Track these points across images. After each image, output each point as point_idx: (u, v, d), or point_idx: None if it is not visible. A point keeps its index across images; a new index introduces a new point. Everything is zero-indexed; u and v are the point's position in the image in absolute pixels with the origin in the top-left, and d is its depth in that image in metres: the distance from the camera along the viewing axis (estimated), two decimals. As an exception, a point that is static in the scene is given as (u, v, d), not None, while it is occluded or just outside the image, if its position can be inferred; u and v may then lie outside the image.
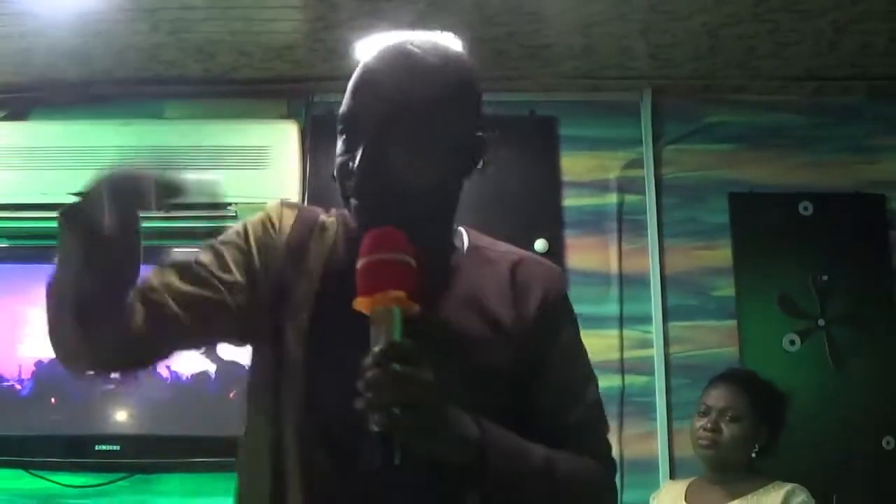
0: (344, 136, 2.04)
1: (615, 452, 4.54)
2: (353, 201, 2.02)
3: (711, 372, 4.12)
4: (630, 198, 4.88)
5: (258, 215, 2.11)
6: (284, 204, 2.17)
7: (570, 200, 4.85)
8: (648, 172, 4.87)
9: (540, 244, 4.72)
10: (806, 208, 4.87)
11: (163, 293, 1.96)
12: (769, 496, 3.79)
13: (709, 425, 3.87)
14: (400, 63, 2.02)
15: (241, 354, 4.57)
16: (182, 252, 2.03)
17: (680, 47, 4.50)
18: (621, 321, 4.78)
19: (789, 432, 3.94)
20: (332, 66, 4.60)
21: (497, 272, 2.13)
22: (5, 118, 4.81)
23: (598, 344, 4.72)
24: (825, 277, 4.79)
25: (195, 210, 4.47)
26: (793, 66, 4.72)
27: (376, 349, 1.76)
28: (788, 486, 3.80)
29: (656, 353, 4.75)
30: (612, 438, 4.56)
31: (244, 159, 4.53)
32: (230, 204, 4.49)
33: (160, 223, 4.42)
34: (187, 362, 4.57)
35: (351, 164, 1.99)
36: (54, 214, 4.60)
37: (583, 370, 2.21)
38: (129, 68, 4.60)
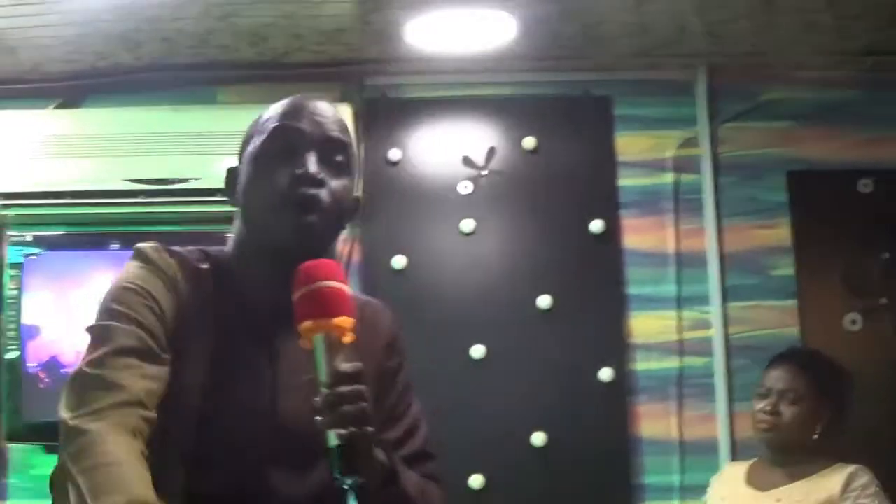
0: (280, 145, 2.13)
1: (675, 435, 4.58)
2: (287, 214, 2.08)
3: (772, 353, 4.07)
4: (687, 177, 4.82)
5: (150, 270, 2.11)
6: (163, 251, 2.15)
7: (625, 181, 4.81)
8: (705, 151, 4.81)
9: (596, 225, 4.68)
10: (866, 185, 4.80)
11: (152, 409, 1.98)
12: (831, 478, 3.73)
13: (768, 408, 3.82)
14: (328, 103, 2.22)
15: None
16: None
17: (735, 24, 4.44)
18: (679, 302, 4.73)
19: (852, 412, 3.88)
20: (383, 49, 4.59)
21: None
22: (59, 106, 4.81)
23: (657, 325, 4.71)
24: (886, 255, 4.73)
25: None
26: (851, 41, 4.64)
27: (334, 369, 1.92)
28: (851, 468, 3.74)
29: (716, 334, 4.70)
30: (672, 420, 4.60)
31: (298, 143, 4.51)
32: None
33: (219, 208, 4.48)
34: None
35: (301, 168, 2.09)
36: (109, 201, 4.64)
37: (415, 403, 2.39)
38: (180, 54, 4.60)
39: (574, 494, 4.54)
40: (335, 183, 2.12)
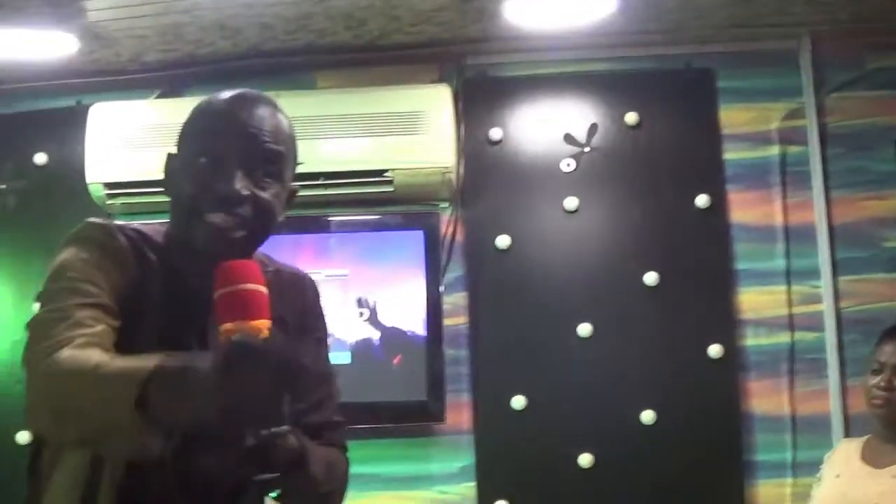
0: (209, 156, 2.21)
1: (787, 411, 4.49)
2: (213, 221, 2.18)
3: (884, 326, 3.99)
4: (793, 149, 4.73)
5: (100, 246, 2.21)
6: (115, 230, 2.25)
7: (730, 154, 4.73)
8: (811, 122, 4.71)
9: (702, 200, 4.61)
10: (975, 152, 4.69)
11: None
12: (948, 455, 3.67)
13: (882, 383, 3.76)
14: (266, 105, 2.31)
15: (404, 321, 4.61)
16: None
17: (835, -10, 4.36)
18: (789, 276, 4.65)
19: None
20: (482, 28, 4.56)
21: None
22: (160, 96, 4.86)
23: (766, 300, 4.64)
24: None
25: (354, 177, 4.51)
26: (952, 4, 4.53)
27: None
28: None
29: (826, 308, 4.61)
30: (783, 396, 4.52)
31: (398, 125, 4.52)
32: (386, 171, 4.49)
33: (321, 192, 4.50)
34: (351, 329, 4.59)
35: (226, 185, 2.18)
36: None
37: (331, 369, 2.55)
38: (278, 39, 4.61)
39: (684, 472, 4.50)
40: (264, 194, 2.22)
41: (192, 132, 2.30)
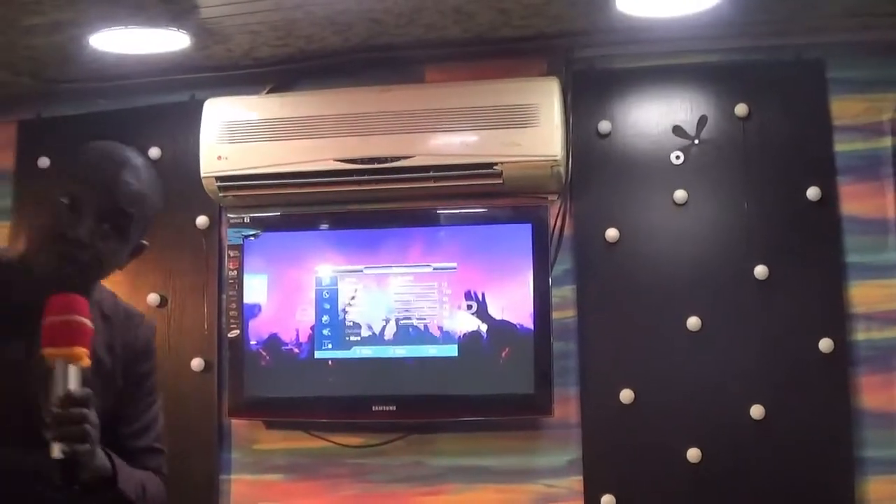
0: (69, 203, 2.54)
1: (896, 407, 4.39)
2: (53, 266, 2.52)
3: None
4: (906, 141, 4.66)
5: None
6: None
7: (841, 146, 4.65)
8: (924, 113, 4.64)
9: (812, 192, 4.56)
10: None
11: None
12: None
13: None
14: (131, 167, 2.64)
15: (512, 314, 4.62)
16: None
17: (953, -23, 4.28)
18: (901, 270, 4.58)
19: None
20: (591, 21, 4.54)
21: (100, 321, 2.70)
22: (272, 91, 4.92)
23: (879, 294, 4.55)
24: None
25: (463, 171, 4.53)
26: None
27: (66, 392, 2.32)
28: None
29: (940, 301, 4.54)
30: (888, 392, 4.42)
31: (507, 119, 4.52)
32: (495, 164, 4.50)
33: (430, 185, 4.53)
34: (459, 322, 4.61)
35: (81, 231, 2.52)
36: (323, 180, 4.75)
37: (154, 402, 2.92)
38: (388, 34, 4.63)
39: (793, 468, 4.46)
40: (104, 245, 2.57)
41: (61, 174, 2.69)
